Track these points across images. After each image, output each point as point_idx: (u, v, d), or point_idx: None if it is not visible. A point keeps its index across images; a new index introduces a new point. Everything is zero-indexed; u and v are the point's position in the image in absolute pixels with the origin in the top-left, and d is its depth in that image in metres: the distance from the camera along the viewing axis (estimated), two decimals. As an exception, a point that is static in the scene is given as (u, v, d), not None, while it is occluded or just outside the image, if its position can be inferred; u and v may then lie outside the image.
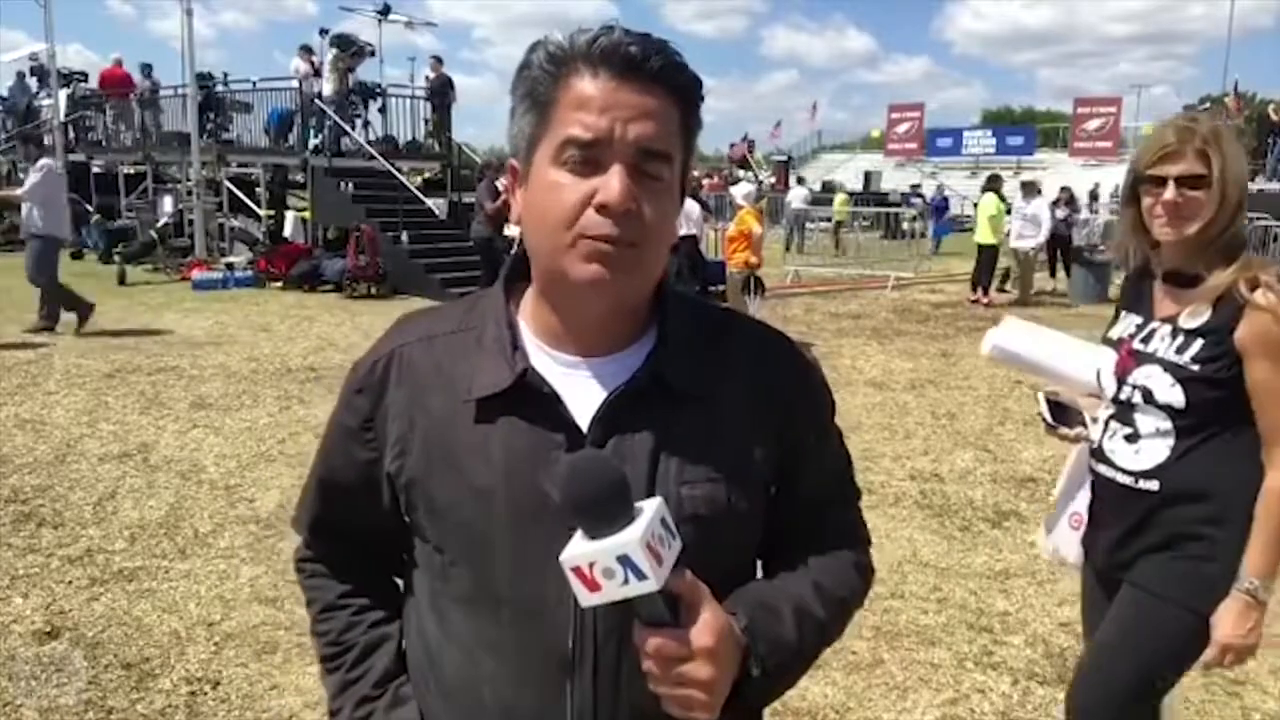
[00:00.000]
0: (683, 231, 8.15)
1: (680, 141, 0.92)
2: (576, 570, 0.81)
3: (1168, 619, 1.85)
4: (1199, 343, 1.78)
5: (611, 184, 0.86)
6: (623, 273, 0.89)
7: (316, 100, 14.25)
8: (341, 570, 1.13)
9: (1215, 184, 1.75)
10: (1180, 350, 1.80)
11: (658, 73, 0.88)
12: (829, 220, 21.68)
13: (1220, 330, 1.75)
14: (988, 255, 12.17)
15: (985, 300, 11.91)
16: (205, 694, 2.93)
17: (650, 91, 0.88)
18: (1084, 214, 14.26)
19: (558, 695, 0.94)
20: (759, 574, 1.06)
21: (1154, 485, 1.86)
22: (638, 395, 0.92)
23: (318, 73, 14.71)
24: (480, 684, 0.98)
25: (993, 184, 12.67)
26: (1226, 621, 1.77)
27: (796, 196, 20.58)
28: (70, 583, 3.68)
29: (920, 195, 22.00)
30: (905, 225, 17.78)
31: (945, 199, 22.61)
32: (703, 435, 0.94)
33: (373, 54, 15.13)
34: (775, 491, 1.01)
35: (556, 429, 0.92)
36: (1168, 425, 1.83)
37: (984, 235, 12.19)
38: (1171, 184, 1.77)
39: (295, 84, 14.70)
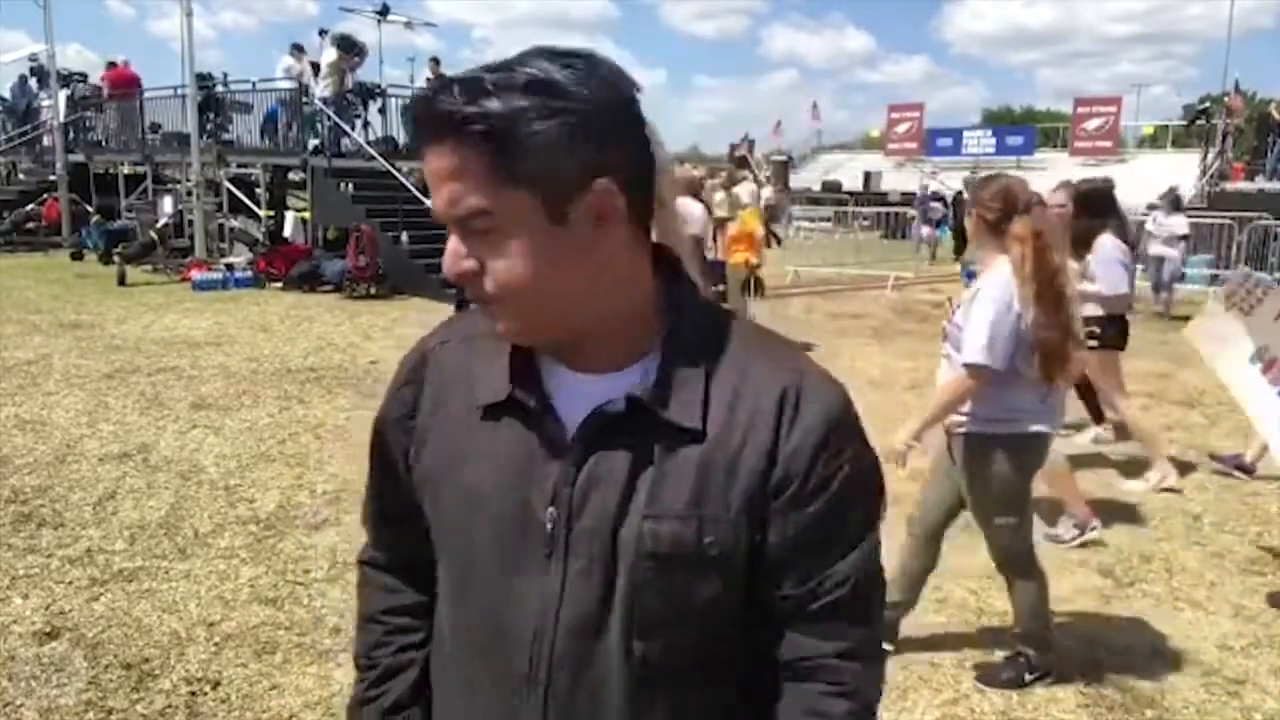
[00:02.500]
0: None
1: (492, 185, 0.81)
2: None
3: None
4: None
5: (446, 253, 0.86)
6: (514, 326, 0.88)
7: (318, 101, 14.24)
8: (397, 570, 1.13)
9: None
10: None
11: (443, 122, 0.81)
12: (828, 220, 21.72)
13: None
14: None
15: None
16: (205, 694, 2.93)
17: (444, 145, 0.82)
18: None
19: (512, 714, 0.93)
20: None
21: None
22: (618, 418, 0.88)
23: (316, 71, 14.72)
24: (454, 686, 1.00)
25: None
26: None
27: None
28: (70, 583, 3.68)
29: (941, 199, 21.51)
30: (923, 231, 17.67)
31: (932, 196, 22.45)
32: (685, 470, 0.87)
33: (367, 54, 15.15)
34: (756, 570, 0.90)
35: (547, 443, 0.91)
36: None
37: None
38: None
39: (295, 84, 14.70)
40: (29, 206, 17.48)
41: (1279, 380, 3.68)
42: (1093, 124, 28.39)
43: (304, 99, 14.51)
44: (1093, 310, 4.70)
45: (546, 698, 0.91)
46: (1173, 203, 12.03)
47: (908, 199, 22.95)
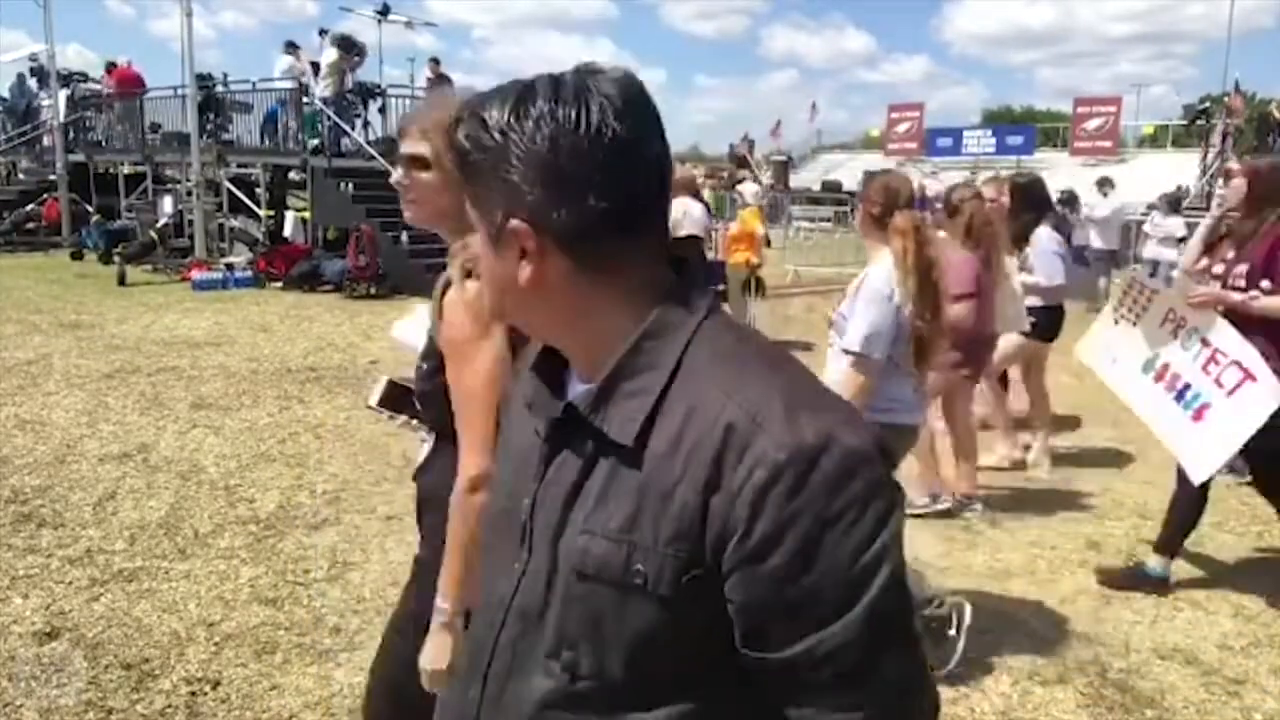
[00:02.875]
0: (683, 232, 8.13)
1: (468, 196, 0.91)
2: None
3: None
4: (430, 348, 1.70)
5: None
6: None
7: (318, 101, 14.24)
8: None
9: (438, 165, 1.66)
10: (420, 360, 1.75)
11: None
12: (828, 220, 21.73)
13: (435, 336, 1.68)
14: None
15: None
16: (205, 694, 2.93)
17: None
18: (1086, 211, 14.08)
19: (469, 686, 0.99)
20: None
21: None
22: (562, 424, 0.91)
23: (315, 70, 14.73)
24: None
25: None
26: (425, 650, 1.64)
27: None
28: (70, 583, 3.68)
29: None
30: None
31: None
32: (625, 491, 0.86)
33: (367, 54, 15.17)
34: (741, 633, 0.84)
35: (539, 439, 0.95)
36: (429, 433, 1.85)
37: None
38: (399, 164, 1.72)
39: (295, 84, 14.71)
40: (29, 206, 17.47)
41: (1173, 387, 3.64)
42: (1093, 124, 28.40)
43: (304, 99, 14.52)
44: (1032, 301, 4.96)
45: (486, 677, 0.96)
46: (1171, 204, 12.06)
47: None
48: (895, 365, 2.96)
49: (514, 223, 0.86)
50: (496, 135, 0.85)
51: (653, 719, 0.88)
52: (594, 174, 0.84)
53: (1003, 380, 5.98)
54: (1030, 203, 5.24)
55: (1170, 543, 3.77)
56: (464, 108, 0.89)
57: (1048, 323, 5.16)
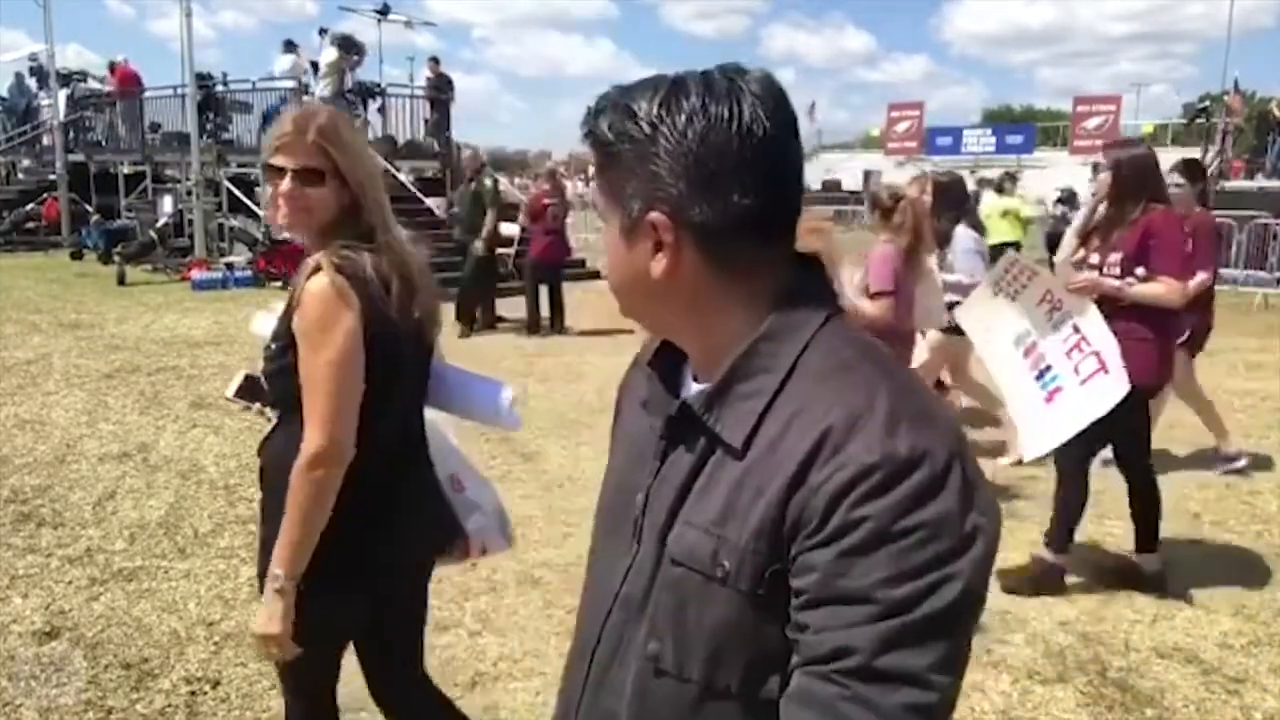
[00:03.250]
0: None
1: (600, 187, 0.93)
2: None
3: None
4: (281, 331, 1.76)
5: None
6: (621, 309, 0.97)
7: (318, 100, 14.23)
8: None
9: (333, 177, 1.73)
10: (270, 341, 1.79)
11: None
12: (828, 220, 21.76)
13: (288, 319, 1.75)
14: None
15: None
16: (205, 694, 2.93)
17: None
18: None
19: (577, 672, 1.02)
20: None
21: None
22: (676, 421, 0.93)
23: (315, 70, 14.74)
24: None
25: (999, 183, 12.78)
26: (259, 615, 1.70)
27: None
28: (70, 583, 3.68)
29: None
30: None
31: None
32: (722, 486, 0.87)
33: (366, 54, 15.20)
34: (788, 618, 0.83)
35: (655, 436, 0.97)
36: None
37: (998, 234, 12.10)
38: (288, 177, 1.71)
39: (294, 83, 14.71)
40: (29, 206, 17.50)
41: (1036, 366, 3.72)
42: (1092, 123, 28.44)
43: (304, 98, 14.50)
44: (952, 298, 5.03)
45: (591, 663, 0.98)
46: None
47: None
48: None
49: (654, 214, 0.86)
50: (645, 127, 0.85)
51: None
52: (740, 171, 0.84)
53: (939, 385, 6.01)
54: (951, 202, 5.36)
55: (1150, 536, 3.81)
56: (603, 100, 0.89)
57: None
